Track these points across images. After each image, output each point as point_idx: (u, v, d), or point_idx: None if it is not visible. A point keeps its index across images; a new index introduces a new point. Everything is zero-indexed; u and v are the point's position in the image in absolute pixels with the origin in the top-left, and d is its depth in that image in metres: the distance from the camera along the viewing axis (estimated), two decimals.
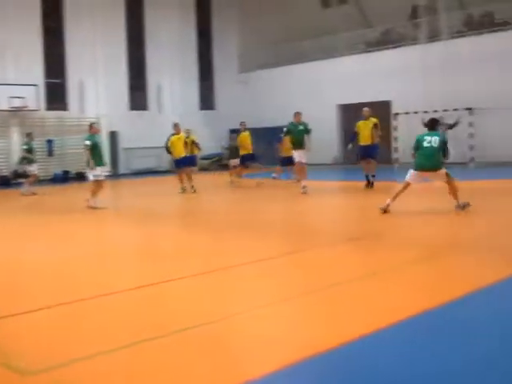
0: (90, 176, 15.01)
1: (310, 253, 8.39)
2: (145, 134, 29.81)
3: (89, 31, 28.34)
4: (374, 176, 16.84)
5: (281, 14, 31.48)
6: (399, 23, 29.19)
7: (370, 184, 16.81)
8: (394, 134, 26.42)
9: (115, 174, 27.53)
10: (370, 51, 29.22)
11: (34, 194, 19.82)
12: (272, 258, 7.99)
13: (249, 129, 21.36)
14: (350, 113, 28.41)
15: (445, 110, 23.06)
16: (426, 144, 11.42)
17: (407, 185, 11.57)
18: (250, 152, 20.93)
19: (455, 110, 23.03)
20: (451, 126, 22.31)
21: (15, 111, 25.77)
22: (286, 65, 31.61)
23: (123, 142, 29.68)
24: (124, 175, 28.87)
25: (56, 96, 28.25)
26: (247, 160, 21.00)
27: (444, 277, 6.74)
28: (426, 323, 5.03)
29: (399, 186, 11.72)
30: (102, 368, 4.29)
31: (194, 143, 20.58)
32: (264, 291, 6.34)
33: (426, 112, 24.66)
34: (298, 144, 16.88)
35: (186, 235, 10.89)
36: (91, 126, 15.56)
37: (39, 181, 21.68)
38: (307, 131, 16.95)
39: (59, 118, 27.49)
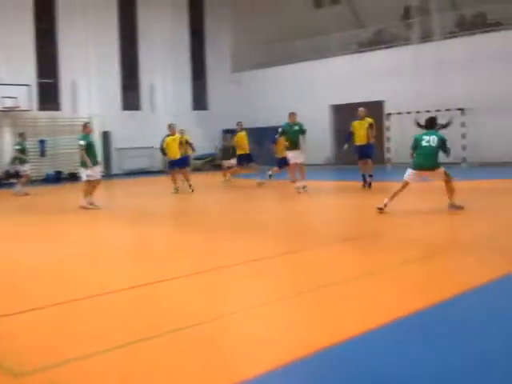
0: (83, 176, 15.00)
1: (306, 253, 8.40)
2: (137, 134, 29.78)
3: (81, 31, 28.27)
4: (371, 176, 16.82)
5: (273, 13, 31.48)
6: (391, 23, 29.24)
7: (366, 184, 16.79)
8: (386, 134, 26.47)
9: (108, 175, 27.45)
10: (362, 51, 29.25)
11: (26, 194, 19.76)
12: (267, 258, 7.98)
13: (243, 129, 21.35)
14: (343, 113, 28.46)
15: (437, 111, 23.06)
16: (424, 143, 11.45)
17: (406, 184, 11.57)
18: (247, 152, 20.86)
19: (448, 110, 23.06)
20: (444, 126, 22.26)
21: (7, 111, 25.68)
22: (279, 65, 31.62)
23: (116, 142, 29.62)
24: (117, 175, 28.81)
25: (48, 96, 28.17)
26: (244, 160, 20.91)
27: (440, 276, 6.76)
28: (421, 323, 5.04)
29: (397, 185, 11.71)
30: (96, 368, 4.28)
31: (188, 143, 20.53)
32: (258, 291, 6.34)
33: (418, 112, 24.69)
34: (294, 144, 16.90)
35: (179, 235, 10.88)
36: (85, 125, 15.53)
37: (31, 181, 21.62)
38: (302, 132, 16.99)
39: (52, 118, 27.41)
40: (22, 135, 20.67)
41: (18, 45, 26.47)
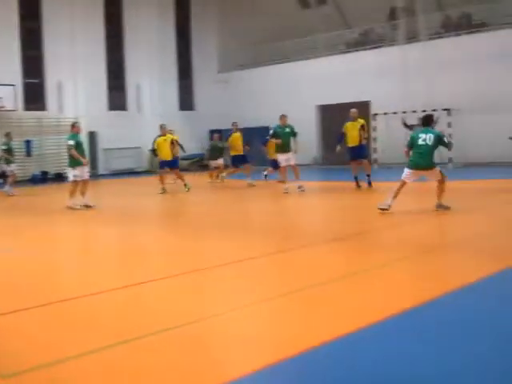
0: (70, 176, 14.94)
1: (293, 253, 8.40)
2: (124, 134, 29.71)
3: (67, 31, 28.12)
4: (369, 175, 16.75)
5: (260, 14, 31.47)
6: (378, 24, 29.35)
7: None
8: (373, 134, 26.54)
9: (94, 175, 27.36)
10: (348, 52, 29.35)
11: (12, 194, 19.66)
12: (254, 258, 8.00)
13: (229, 130, 21.31)
14: (329, 113, 28.58)
15: (423, 111, 23.13)
16: (420, 142, 11.44)
17: (403, 183, 11.56)
18: (241, 153, 20.65)
19: (434, 110, 23.14)
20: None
21: None
22: (266, 65, 31.65)
23: (102, 143, 29.50)
24: (103, 175, 28.72)
25: (34, 96, 28.00)
26: (239, 161, 20.75)
27: (428, 276, 6.77)
28: (409, 322, 5.06)
29: (396, 185, 11.67)
30: (87, 367, 4.28)
31: (178, 144, 20.43)
32: (245, 291, 6.35)
33: (404, 112, 24.87)
34: (286, 147, 16.92)
35: (167, 236, 10.87)
36: (73, 125, 15.45)
37: (17, 181, 21.49)
38: (294, 134, 17.03)
39: (37, 119, 27.25)
40: (8, 135, 20.54)
41: (3, 45, 26.30)
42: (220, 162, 21.76)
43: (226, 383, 3.93)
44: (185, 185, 18.51)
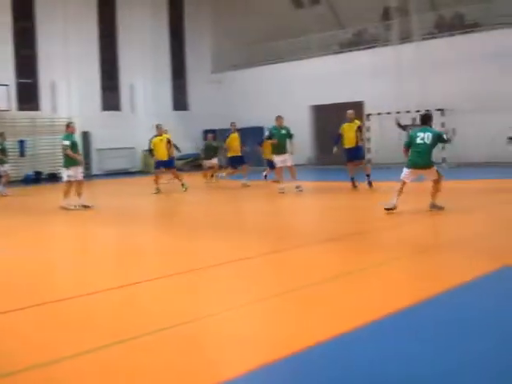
0: (64, 176, 14.92)
1: (288, 253, 8.40)
2: (117, 134, 29.66)
3: (60, 31, 28.06)
4: (368, 176, 16.70)
5: (254, 14, 31.47)
6: (371, 24, 29.38)
7: (355, 185, 16.75)
8: (366, 134, 26.54)
9: (88, 175, 27.30)
10: (342, 52, 29.37)
11: (6, 194, 19.61)
12: (249, 258, 8.01)
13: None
14: (323, 113, 28.59)
15: (417, 111, 23.23)
16: (418, 140, 11.41)
17: (404, 183, 11.54)
18: (239, 154, 20.51)
19: (427, 110, 23.20)
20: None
21: None
22: (259, 65, 31.63)
23: (96, 143, 29.43)
24: (97, 176, 28.66)
25: (27, 96, 27.92)
26: (236, 162, 20.63)
27: (423, 275, 6.79)
28: (405, 321, 5.07)
29: (397, 185, 11.62)
30: (82, 367, 4.28)
31: (173, 145, 20.36)
32: (240, 291, 6.35)
33: (398, 113, 24.90)
34: (282, 148, 16.94)
35: (162, 235, 10.87)
36: (68, 125, 15.42)
37: (10, 182, 21.43)
38: (290, 136, 17.06)
39: (31, 119, 27.16)
40: (1, 135, 20.45)
41: None
42: (214, 161, 21.74)
43: (221, 383, 3.93)
44: (182, 184, 18.50)
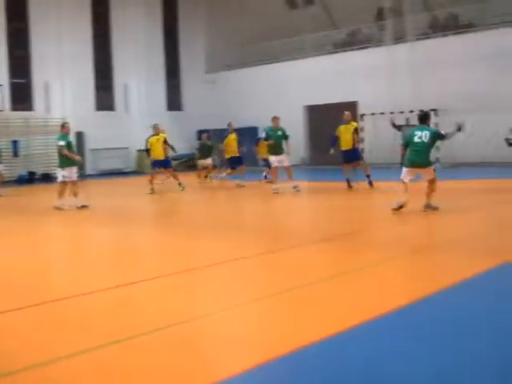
0: (59, 177, 14.89)
1: (284, 253, 8.40)
2: (111, 134, 29.61)
3: (54, 31, 28.01)
4: (368, 176, 16.66)
5: (248, 14, 31.49)
6: (365, 25, 29.42)
7: (350, 186, 16.75)
8: (360, 134, 26.56)
9: (82, 175, 27.25)
10: (336, 52, 29.40)
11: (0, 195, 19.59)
12: (245, 258, 8.01)
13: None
14: (317, 114, 28.63)
15: (411, 111, 23.27)
16: (416, 139, 11.40)
17: (404, 183, 11.52)
18: (237, 155, 20.36)
19: (421, 110, 23.22)
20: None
21: None
22: (253, 65, 31.64)
23: (90, 143, 29.38)
24: (91, 176, 28.59)
25: (21, 96, 27.87)
26: (234, 163, 20.51)
27: (419, 275, 6.82)
28: (400, 320, 5.08)
29: (400, 186, 11.60)
30: (79, 367, 4.29)
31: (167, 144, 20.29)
32: (236, 291, 6.36)
33: (392, 113, 24.86)
34: (278, 149, 16.94)
35: (158, 235, 10.88)
36: (63, 125, 15.39)
37: (3, 182, 21.39)
38: (285, 137, 17.07)
39: (24, 119, 27.09)
40: None
41: None
42: (208, 161, 21.71)
43: (217, 383, 3.94)
44: (179, 184, 18.50)
